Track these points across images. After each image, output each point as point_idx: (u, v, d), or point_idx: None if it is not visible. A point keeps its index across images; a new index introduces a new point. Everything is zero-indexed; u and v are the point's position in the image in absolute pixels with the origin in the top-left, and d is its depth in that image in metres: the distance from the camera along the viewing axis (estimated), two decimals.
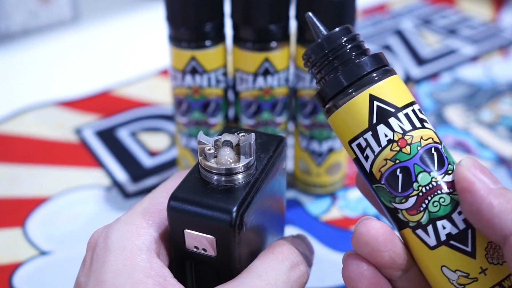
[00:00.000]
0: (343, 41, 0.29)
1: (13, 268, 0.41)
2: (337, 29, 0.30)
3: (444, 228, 0.28)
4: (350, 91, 0.29)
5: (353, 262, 0.29)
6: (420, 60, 0.67)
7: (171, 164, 0.51)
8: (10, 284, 0.40)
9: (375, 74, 0.29)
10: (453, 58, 0.67)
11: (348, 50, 0.29)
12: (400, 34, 0.73)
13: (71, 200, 0.47)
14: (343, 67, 0.29)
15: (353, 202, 0.47)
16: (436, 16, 0.78)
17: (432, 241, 0.28)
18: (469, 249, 0.27)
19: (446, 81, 0.63)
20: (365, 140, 0.29)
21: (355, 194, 0.48)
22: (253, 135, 0.29)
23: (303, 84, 0.43)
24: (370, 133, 0.28)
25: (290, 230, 0.44)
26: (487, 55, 0.68)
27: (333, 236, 0.44)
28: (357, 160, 0.30)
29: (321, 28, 0.31)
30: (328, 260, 0.42)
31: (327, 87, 0.29)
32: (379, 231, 0.28)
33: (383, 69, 0.29)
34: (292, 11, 0.42)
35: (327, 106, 0.30)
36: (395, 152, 0.28)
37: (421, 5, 0.81)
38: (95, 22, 0.76)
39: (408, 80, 0.63)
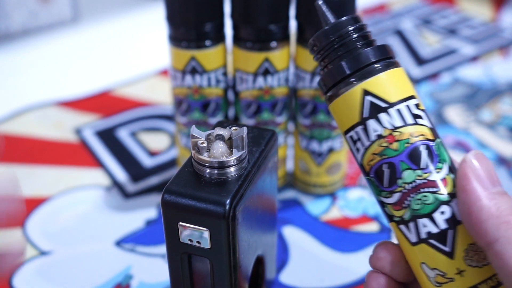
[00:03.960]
0: (349, 30, 0.29)
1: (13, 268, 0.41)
2: (344, 17, 0.30)
3: (425, 226, 0.28)
4: (351, 80, 0.29)
5: (374, 281, 0.31)
6: (420, 60, 0.67)
7: (171, 164, 0.51)
8: (10, 284, 0.40)
9: (376, 66, 0.29)
10: (453, 58, 0.67)
11: (353, 40, 0.29)
12: (400, 34, 0.72)
13: (71, 200, 0.47)
14: (346, 56, 0.29)
15: (353, 202, 0.47)
16: (436, 16, 0.78)
17: (413, 237, 0.28)
18: (447, 249, 0.27)
19: (446, 81, 0.63)
20: (356, 133, 0.29)
21: (355, 194, 0.48)
22: (245, 128, 0.30)
23: (303, 84, 0.43)
24: (361, 127, 0.29)
25: (290, 230, 0.44)
26: (487, 55, 0.68)
27: (333, 236, 0.44)
28: (351, 151, 0.30)
29: (329, 15, 0.30)
30: (328, 260, 0.42)
31: (329, 75, 0.30)
32: (396, 257, 0.30)
33: (386, 61, 0.29)
34: (292, 11, 0.42)
35: (328, 94, 0.30)
36: (383, 148, 0.28)
37: (421, 5, 0.81)
38: (95, 22, 0.76)
39: None
